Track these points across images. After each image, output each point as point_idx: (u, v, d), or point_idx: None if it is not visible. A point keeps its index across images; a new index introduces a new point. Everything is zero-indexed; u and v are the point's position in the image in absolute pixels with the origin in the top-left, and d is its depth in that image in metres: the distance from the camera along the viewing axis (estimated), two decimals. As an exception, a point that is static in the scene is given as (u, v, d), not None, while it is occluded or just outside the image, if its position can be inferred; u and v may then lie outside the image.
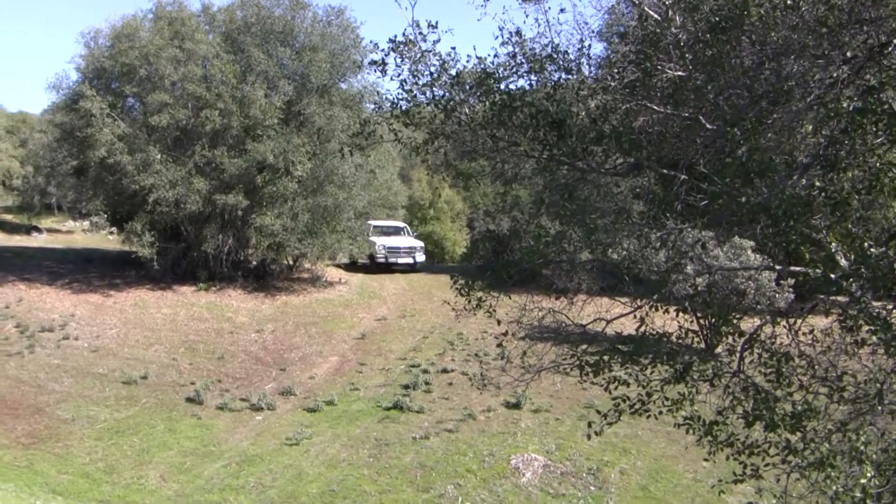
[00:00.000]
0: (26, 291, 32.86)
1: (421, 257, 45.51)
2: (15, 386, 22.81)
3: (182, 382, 24.20)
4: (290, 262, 40.13)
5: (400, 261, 44.41)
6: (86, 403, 21.96)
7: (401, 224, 48.77)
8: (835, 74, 7.37)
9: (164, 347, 27.59)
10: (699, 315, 17.60)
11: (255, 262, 37.98)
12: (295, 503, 16.89)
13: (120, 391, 23.12)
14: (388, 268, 44.16)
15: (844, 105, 6.93)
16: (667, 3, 8.16)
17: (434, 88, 8.71)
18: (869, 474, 7.26)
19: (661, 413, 8.10)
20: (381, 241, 44.28)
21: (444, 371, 25.52)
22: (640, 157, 7.92)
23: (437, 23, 8.74)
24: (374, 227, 45.01)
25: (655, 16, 8.36)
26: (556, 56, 8.73)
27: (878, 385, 7.49)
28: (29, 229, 55.59)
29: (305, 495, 17.19)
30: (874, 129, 6.46)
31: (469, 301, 9.03)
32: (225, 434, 20.44)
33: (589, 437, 9.17)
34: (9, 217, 59.78)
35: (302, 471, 18.29)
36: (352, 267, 45.16)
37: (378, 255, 43.59)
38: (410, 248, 45.01)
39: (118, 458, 18.75)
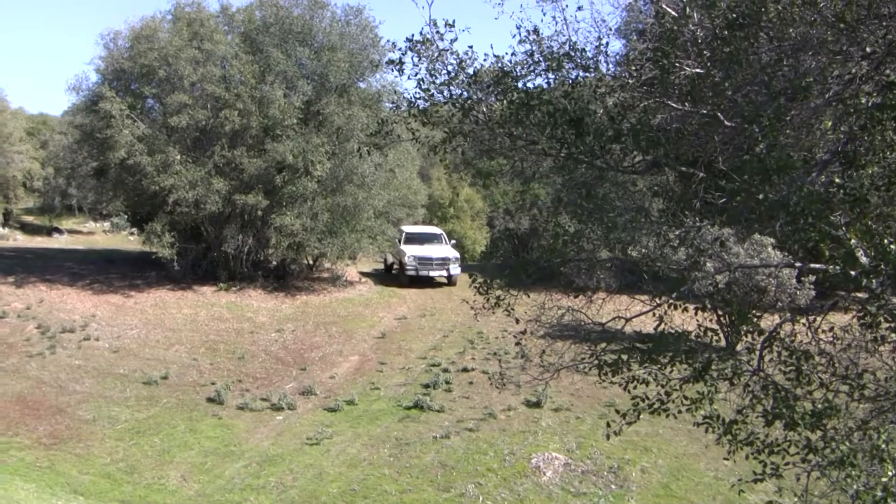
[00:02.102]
0: (47, 292, 33.04)
1: (456, 270, 40.32)
2: (36, 387, 22.92)
3: (202, 382, 24.27)
4: (310, 262, 40.22)
5: (432, 273, 40.30)
6: (107, 404, 22.05)
7: (437, 231, 44.52)
8: (853, 70, 7.34)
9: (184, 347, 27.68)
10: (719, 313, 17.56)
11: (275, 262, 38.06)
12: (316, 503, 16.91)
13: (140, 391, 23.21)
14: (419, 281, 40.11)
15: (863, 101, 6.90)
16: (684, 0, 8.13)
17: (451, 87, 8.72)
18: (890, 472, 7.22)
19: (679, 412, 8.08)
20: (412, 251, 40.23)
21: (465, 370, 25.51)
22: (658, 155, 7.90)
23: (454, 21, 8.75)
24: (407, 234, 41.93)
25: (673, 13, 8.34)
26: (573, 54, 8.72)
27: (899, 382, 7.46)
28: (50, 230, 55.92)
29: (326, 495, 17.22)
30: (894, 124, 6.42)
31: (488, 300, 9.03)
32: (245, 434, 20.48)
33: (608, 437, 9.16)
34: (30, 218, 60.15)
35: (323, 470, 18.32)
36: (385, 277, 42.77)
37: (408, 267, 39.76)
38: (444, 259, 40.16)
39: (139, 459, 18.81)
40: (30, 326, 28.31)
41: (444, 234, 43.99)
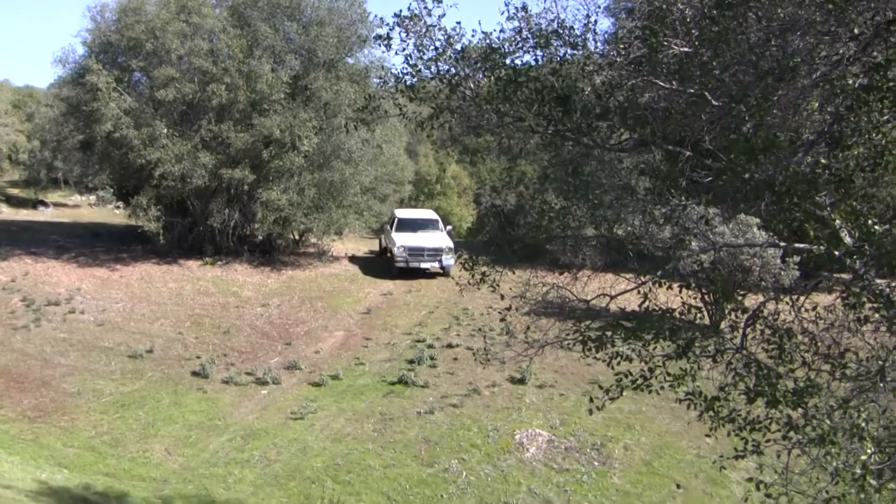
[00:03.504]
0: (32, 265, 32.95)
1: (450, 260, 35.49)
2: (21, 359, 22.90)
3: (188, 356, 24.28)
4: (296, 237, 40.14)
5: (424, 265, 36.20)
6: (91, 377, 22.05)
7: (432, 216, 40.45)
8: (841, 51, 7.36)
9: (169, 321, 27.66)
10: (703, 292, 17.63)
11: (261, 237, 37.94)
12: (300, 477, 16.97)
13: (126, 365, 23.21)
14: (410, 273, 36.13)
15: (850, 82, 6.92)
16: (673, -22, 8.13)
17: (439, 63, 8.71)
18: (869, 451, 7.29)
19: (662, 388, 8.13)
20: (402, 241, 36.49)
21: (449, 346, 25.58)
22: (645, 133, 7.91)
23: (442, -3, 8.73)
24: (399, 219, 38.52)
25: (661, -9, 8.33)
26: (561, 31, 8.71)
27: (880, 362, 7.51)
28: (35, 203, 55.59)
29: (310, 469, 17.28)
30: (880, 106, 6.46)
31: (473, 275, 9.06)
32: (230, 408, 20.52)
33: (591, 411, 9.21)
34: (15, 191, 59.74)
35: (307, 445, 18.38)
36: (370, 267, 38.60)
37: (398, 259, 36.15)
38: (436, 249, 36.17)
39: (123, 432, 18.85)
40: (14, 299, 28.25)
41: (439, 219, 40.21)
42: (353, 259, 40.37)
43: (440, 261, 36.08)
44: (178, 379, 22.37)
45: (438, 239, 37.10)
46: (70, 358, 23.45)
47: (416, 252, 36.06)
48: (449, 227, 40.13)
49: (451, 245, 36.41)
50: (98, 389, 21.19)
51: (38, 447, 17.75)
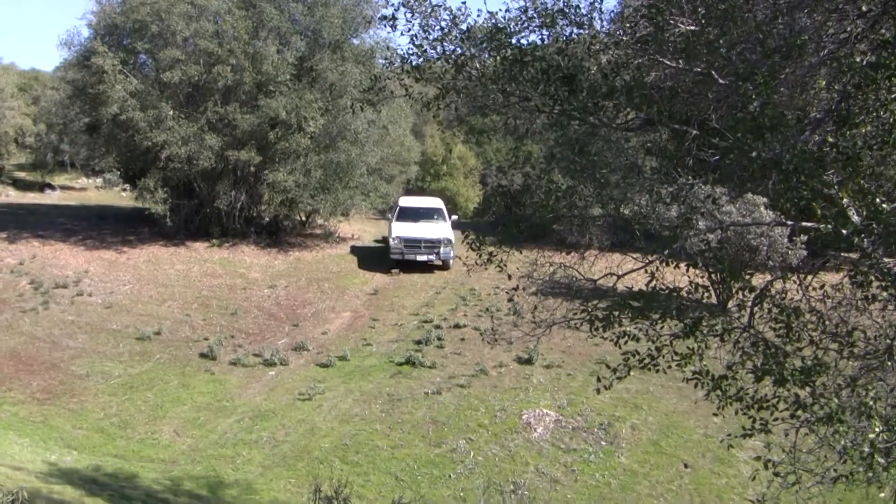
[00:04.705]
0: (40, 248, 33.00)
1: (449, 252, 34.15)
2: (30, 342, 22.98)
3: (195, 338, 24.34)
4: (303, 219, 40.14)
5: (420, 258, 34.15)
6: (100, 359, 22.12)
7: (437, 205, 38.29)
8: (849, 29, 7.32)
9: (177, 303, 27.72)
10: (710, 270, 17.58)
11: (267, 219, 37.94)
12: (308, 457, 17.03)
13: (134, 347, 23.28)
14: (406, 266, 34.30)
15: (858, 60, 6.88)
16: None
17: (445, 43, 8.67)
18: (878, 429, 7.28)
19: (669, 367, 8.12)
20: (399, 231, 34.63)
21: (457, 326, 25.60)
22: (651, 112, 7.88)
23: (447, -24, 8.69)
24: (401, 207, 36.69)
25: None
26: (567, 10, 8.66)
27: (888, 341, 7.49)
28: (42, 186, 55.63)
29: (318, 449, 17.34)
30: (888, 84, 6.41)
31: (480, 255, 9.04)
32: (238, 389, 20.59)
33: (598, 391, 9.19)
34: (22, 174, 59.83)
35: (315, 425, 18.43)
36: (369, 260, 36.13)
37: (393, 250, 34.37)
38: (434, 241, 34.25)
39: (132, 414, 18.92)
40: (23, 282, 28.31)
41: (444, 208, 37.90)
42: (356, 251, 38.31)
43: (438, 253, 34.22)
44: (186, 361, 22.43)
45: (439, 230, 35.18)
46: (78, 340, 23.52)
47: (412, 243, 34.19)
48: (454, 217, 38.25)
49: (451, 237, 34.65)
50: (106, 371, 21.26)
51: (48, 429, 17.83)
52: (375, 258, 36.38)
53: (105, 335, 24.09)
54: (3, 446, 15.81)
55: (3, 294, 27.04)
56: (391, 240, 34.67)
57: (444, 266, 34.53)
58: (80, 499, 12.80)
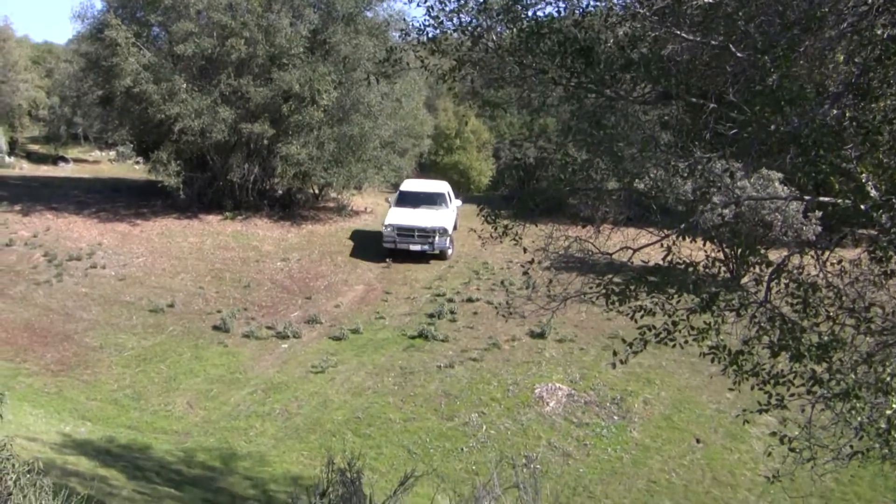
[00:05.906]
0: (54, 221, 33.10)
1: (445, 243, 31.76)
2: (44, 314, 23.07)
3: (208, 311, 24.40)
4: (316, 192, 40.14)
5: (413, 248, 31.57)
6: (113, 331, 22.21)
7: (441, 189, 35.74)
8: (869, 1, 7.24)
9: (190, 276, 27.78)
10: (726, 245, 17.55)
11: (280, 192, 37.99)
12: (320, 430, 17.08)
13: (147, 319, 23.35)
14: (399, 255, 31.64)
15: (878, 33, 6.81)
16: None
17: (461, 15, 8.62)
18: (895, 405, 7.26)
19: (686, 342, 8.08)
20: (392, 218, 32.41)
21: (469, 300, 25.62)
22: (668, 86, 7.82)
23: (464, -54, 8.62)
24: (401, 192, 34.84)
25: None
26: (584, -18, 8.62)
27: (906, 317, 7.46)
28: (55, 159, 55.64)
29: (331, 422, 17.39)
30: (908, 57, 6.36)
31: (496, 229, 9.01)
32: (251, 362, 20.64)
33: (614, 365, 9.19)
34: (35, 147, 59.81)
35: (327, 398, 18.48)
36: (366, 250, 32.69)
37: (385, 238, 31.91)
38: (428, 230, 31.64)
39: (146, 385, 18.99)
40: (37, 254, 28.40)
41: (448, 193, 35.65)
42: (353, 236, 35.69)
43: (432, 243, 31.58)
44: (199, 333, 22.50)
45: (436, 218, 32.47)
46: (92, 312, 23.60)
47: (405, 232, 31.75)
48: (459, 202, 36.21)
49: (449, 227, 32.64)
50: (120, 343, 21.35)
51: (62, 400, 17.91)
52: (373, 251, 32.88)
53: (118, 307, 24.17)
54: (18, 417, 15.86)
55: (18, 266, 27.14)
56: (383, 227, 32.40)
57: (442, 256, 32.03)
58: (94, 469, 12.85)
